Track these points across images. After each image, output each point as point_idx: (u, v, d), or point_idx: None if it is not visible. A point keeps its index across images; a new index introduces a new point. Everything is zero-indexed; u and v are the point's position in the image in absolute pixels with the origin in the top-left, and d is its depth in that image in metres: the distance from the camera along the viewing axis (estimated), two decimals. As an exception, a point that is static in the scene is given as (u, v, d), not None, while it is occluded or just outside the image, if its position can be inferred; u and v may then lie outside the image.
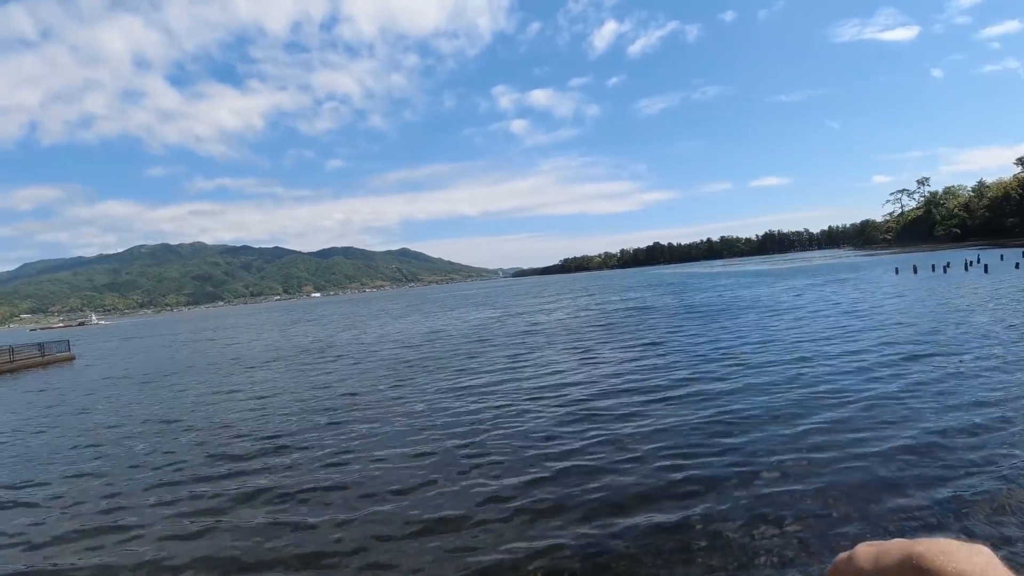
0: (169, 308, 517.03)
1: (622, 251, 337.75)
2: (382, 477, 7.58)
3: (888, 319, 18.57)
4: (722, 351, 15.03)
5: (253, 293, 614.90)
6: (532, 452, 7.99)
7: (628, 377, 12.78)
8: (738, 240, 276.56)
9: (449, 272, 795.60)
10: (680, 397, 10.41)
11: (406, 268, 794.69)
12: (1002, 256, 49.89)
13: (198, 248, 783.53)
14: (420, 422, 10.31)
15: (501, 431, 9.25)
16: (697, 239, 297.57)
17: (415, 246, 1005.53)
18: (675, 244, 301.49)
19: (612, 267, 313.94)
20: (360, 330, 36.53)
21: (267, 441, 9.96)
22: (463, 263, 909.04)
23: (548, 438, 8.62)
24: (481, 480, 7.14)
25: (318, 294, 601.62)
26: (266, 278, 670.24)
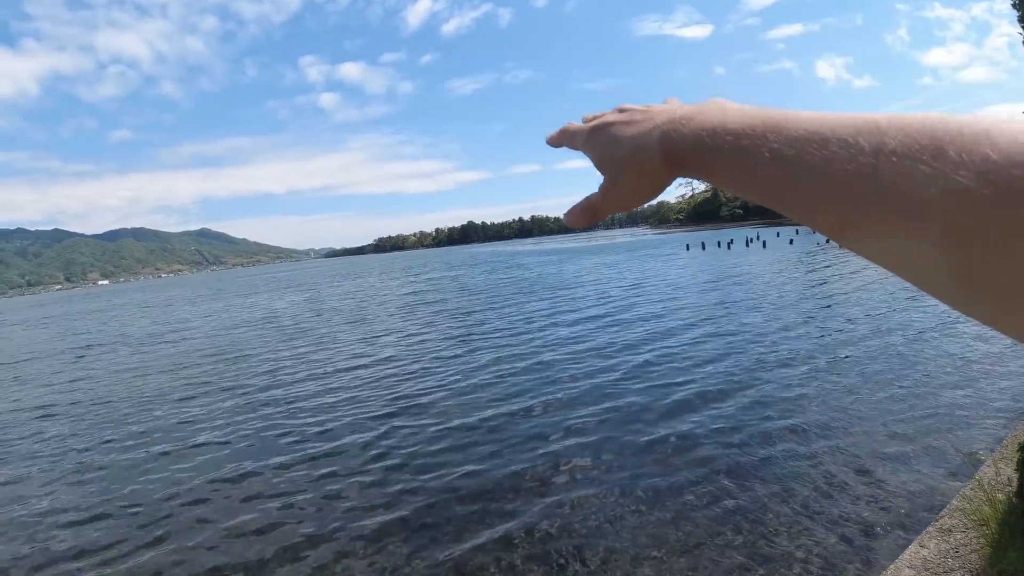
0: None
1: (437, 230, 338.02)
2: None
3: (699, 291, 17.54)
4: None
5: (31, 283, 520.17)
6: None
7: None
8: (548, 219, 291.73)
9: (256, 254, 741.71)
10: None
11: (207, 250, 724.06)
12: (778, 233, 57.78)
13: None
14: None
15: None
16: (510, 218, 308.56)
17: (217, 226, 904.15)
18: (489, 223, 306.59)
19: (427, 246, 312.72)
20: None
21: None
22: (270, 244, 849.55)
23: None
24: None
25: (106, 281, 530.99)
26: (44, 265, 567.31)
